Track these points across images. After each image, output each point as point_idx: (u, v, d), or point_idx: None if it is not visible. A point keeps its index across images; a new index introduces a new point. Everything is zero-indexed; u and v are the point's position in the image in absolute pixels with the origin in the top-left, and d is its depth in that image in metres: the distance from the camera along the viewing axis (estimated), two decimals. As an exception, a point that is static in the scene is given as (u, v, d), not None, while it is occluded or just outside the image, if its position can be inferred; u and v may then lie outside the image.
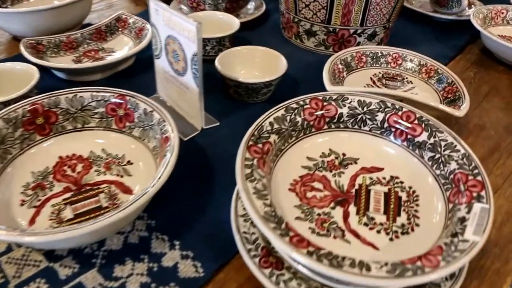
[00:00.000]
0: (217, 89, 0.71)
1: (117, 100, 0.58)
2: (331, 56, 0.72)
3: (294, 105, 0.52)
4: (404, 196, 0.48)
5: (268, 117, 0.50)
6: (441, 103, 0.68)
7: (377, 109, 0.53)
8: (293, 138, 0.52)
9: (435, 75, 0.72)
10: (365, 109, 0.53)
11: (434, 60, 0.74)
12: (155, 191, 0.44)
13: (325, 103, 0.53)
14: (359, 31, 0.79)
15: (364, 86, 0.72)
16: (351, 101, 0.53)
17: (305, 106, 0.52)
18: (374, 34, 0.80)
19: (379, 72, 0.75)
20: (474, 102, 0.74)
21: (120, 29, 0.86)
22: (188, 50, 0.58)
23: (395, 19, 0.82)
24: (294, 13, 0.82)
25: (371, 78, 0.74)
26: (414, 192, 0.49)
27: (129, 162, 0.57)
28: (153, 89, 0.70)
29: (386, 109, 0.53)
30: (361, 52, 0.76)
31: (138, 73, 0.76)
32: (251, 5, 0.97)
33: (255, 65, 0.73)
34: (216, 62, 0.68)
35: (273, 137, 0.49)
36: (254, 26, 0.93)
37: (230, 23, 0.81)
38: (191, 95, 0.62)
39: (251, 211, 0.38)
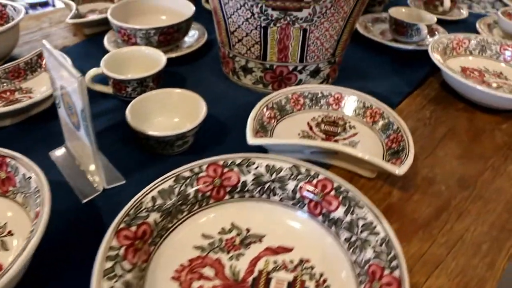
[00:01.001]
0: (130, 139, 0.62)
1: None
2: (262, 100, 0.63)
3: (187, 173, 0.43)
4: (312, 286, 0.39)
5: (152, 190, 0.41)
6: (384, 154, 0.59)
7: (288, 176, 0.44)
8: (185, 213, 0.42)
9: (380, 119, 0.63)
10: (274, 175, 0.44)
11: (380, 102, 0.65)
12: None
13: (225, 170, 0.44)
14: (299, 67, 0.70)
15: (298, 134, 0.63)
16: (257, 166, 0.44)
17: (201, 174, 0.43)
18: (317, 70, 0.72)
19: (319, 116, 0.66)
20: (427, 148, 0.65)
21: (42, 67, 0.77)
22: (77, 104, 0.49)
23: (342, 52, 0.74)
24: (229, 47, 0.73)
25: (308, 123, 0.65)
26: (324, 281, 0.39)
27: (9, 233, 0.48)
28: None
29: (299, 176, 0.44)
30: (298, 93, 0.67)
31: (55, 117, 0.68)
32: (193, 35, 0.89)
33: (174, 110, 0.65)
34: (127, 111, 0.60)
35: (154, 216, 0.39)
36: (194, 58, 0.84)
37: (157, 59, 0.72)
38: (88, 152, 0.53)
39: None
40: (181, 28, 0.81)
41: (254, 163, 0.46)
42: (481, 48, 0.87)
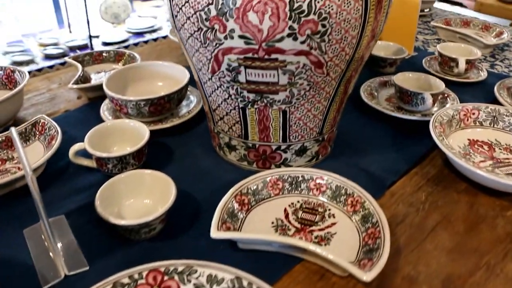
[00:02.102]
0: (103, 220, 0.60)
1: None
2: (236, 185, 0.60)
3: (126, 280, 0.41)
4: None
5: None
6: (359, 251, 0.55)
7: (225, 293, 0.40)
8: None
9: (361, 209, 0.59)
10: (214, 287, 0.41)
11: (363, 190, 0.61)
12: None
13: (165, 278, 0.42)
14: (283, 147, 0.67)
15: (272, 223, 0.60)
16: (199, 275, 0.42)
17: (140, 282, 0.41)
18: (303, 149, 0.68)
19: (298, 202, 0.63)
20: (415, 239, 0.60)
21: (36, 135, 0.78)
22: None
23: (333, 128, 0.70)
24: (213, 123, 0.71)
25: (285, 210, 0.61)
26: None
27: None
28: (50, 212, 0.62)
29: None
30: (277, 176, 0.63)
31: (40, 190, 0.67)
32: (192, 101, 0.88)
33: (146, 192, 0.64)
34: (97, 196, 0.59)
35: None
36: (186, 128, 0.83)
37: (142, 134, 0.71)
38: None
39: None
40: (173, 99, 0.80)
41: (196, 271, 0.43)
42: (493, 119, 0.81)
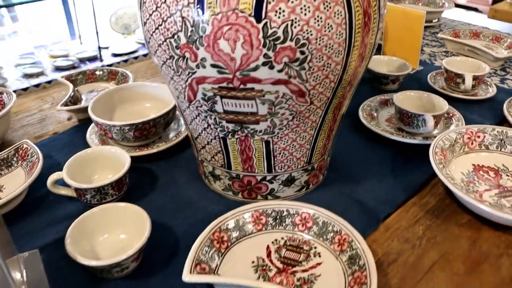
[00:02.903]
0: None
1: None
2: (213, 223, 0.56)
3: None
4: None
5: None
6: (343, 298, 0.50)
7: None
8: None
9: (348, 249, 0.54)
10: None
11: (351, 227, 0.56)
12: None
13: None
14: (268, 177, 0.63)
15: (253, 262, 0.55)
16: None
17: None
18: (291, 179, 0.64)
19: (282, 238, 0.58)
20: (408, 282, 0.56)
21: (19, 161, 0.75)
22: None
23: (324, 156, 0.66)
24: (196, 151, 0.67)
25: (268, 247, 0.57)
26: None
27: None
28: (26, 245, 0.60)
29: None
30: (260, 210, 0.59)
31: (19, 219, 0.66)
32: (181, 125, 0.84)
33: (122, 226, 0.60)
34: (68, 234, 0.55)
35: None
36: (173, 152, 0.79)
37: (123, 162, 0.68)
38: None
39: None
40: (159, 123, 0.76)
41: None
42: (499, 143, 0.75)
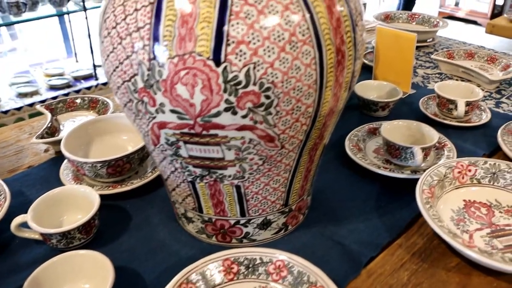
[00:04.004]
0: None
1: None
2: (179, 274, 0.52)
3: None
4: None
5: None
6: None
7: None
8: None
9: (324, 304, 0.50)
10: None
11: (327, 278, 0.53)
12: None
13: None
14: (242, 221, 0.59)
15: (221, 320, 0.51)
16: None
17: None
18: (267, 222, 0.60)
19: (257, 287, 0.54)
20: None
21: (-16, 198, 0.72)
22: None
23: (300, 198, 0.62)
24: (168, 192, 0.63)
25: (239, 301, 0.52)
26: None
27: None
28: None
29: None
30: (232, 258, 0.55)
31: None
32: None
33: (85, 275, 0.57)
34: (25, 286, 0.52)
35: None
36: (151, 189, 0.75)
37: (92, 200, 0.64)
38: None
39: None
40: (133, 159, 0.73)
41: None
42: (492, 177, 0.71)
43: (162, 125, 0.49)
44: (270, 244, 0.63)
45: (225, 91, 0.44)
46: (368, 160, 0.77)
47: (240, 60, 0.43)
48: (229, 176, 0.53)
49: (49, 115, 0.93)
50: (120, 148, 0.75)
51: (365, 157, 0.77)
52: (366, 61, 1.14)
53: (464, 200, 0.69)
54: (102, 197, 0.70)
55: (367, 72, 1.11)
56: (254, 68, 0.43)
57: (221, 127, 0.46)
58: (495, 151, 0.85)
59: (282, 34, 0.43)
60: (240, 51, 0.42)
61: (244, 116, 0.46)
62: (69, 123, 0.95)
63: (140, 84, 0.46)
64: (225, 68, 0.43)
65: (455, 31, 3.90)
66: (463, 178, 0.71)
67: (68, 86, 2.29)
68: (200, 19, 0.42)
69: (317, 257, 0.61)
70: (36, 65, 2.59)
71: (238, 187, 0.55)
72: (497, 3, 4.16)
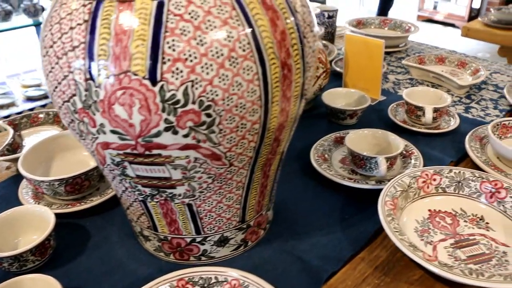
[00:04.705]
0: None
1: None
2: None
3: None
4: None
5: None
6: None
7: None
8: None
9: (278, 325, 0.48)
10: None
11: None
12: None
13: None
14: (198, 239, 0.57)
15: None
16: None
17: None
18: (224, 239, 0.58)
19: (210, 311, 0.52)
20: None
21: None
22: None
23: (259, 213, 0.60)
24: (124, 210, 0.61)
25: (192, 324, 0.51)
26: None
27: None
28: None
29: None
30: (186, 278, 0.54)
31: None
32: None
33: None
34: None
35: None
36: (111, 206, 0.73)
37: (48, 220, 0.62)
38: None
39: None
40: (92, 176, 0.71)
41: None
42: (457, 185, 0.70)
43: (105, 146, 0.47)
44: (230, 261, 0.61)
45: (163, 110, 0.42)
46: (333, 170, 0.75)
47: (177, 79, 0.41)
48: (179, 195, 0.52)
49: (11, 131, 0.90)
50: (82, 164, 0.74)
51: (331, 168, 0.76)
52: (337, 68, 1.13)
53: (429, 210, 0.68)
54: (61, 215, 0.68)
55: (338, 79, 1.10)
56: (192, 86, 0.42)
57: (163, 147, 0.45)
58: (463, 158, 0.84)
59: (221, 50, 0.42)
60: (177, 69, 0.41)
61: (185, 136, 0.44)
62: (33, 139, 0.93)
63: (79, 105, 0.45)
64: (161, 87, 0.41)
65: (434, 34, 3.93)
66: (428, 187, 0.70)
67: (45, 97, 2.26)
68: (134, 37, 0.41)
69: (277, 273, 0.60)
70: (13, 76, 2.56)
71: (190, 206, 0.53)
72: (473, 6, 4.21)
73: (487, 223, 0.66)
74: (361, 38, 0.98)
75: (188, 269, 0.55)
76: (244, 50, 0.43)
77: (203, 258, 0.60)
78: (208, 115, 0.43)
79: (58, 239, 0.65)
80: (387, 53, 1.31)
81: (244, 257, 0.62)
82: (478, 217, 0.67)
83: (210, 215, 0.55)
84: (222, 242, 0.59)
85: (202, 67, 0.42)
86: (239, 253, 0.62)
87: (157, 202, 0.53)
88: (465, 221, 0.67)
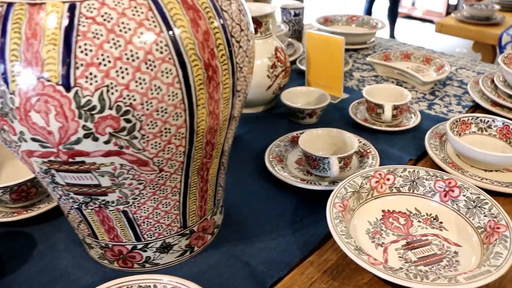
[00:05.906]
0: None
1: None
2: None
3: None
4: None
5: None
6: None
7: None
8: None
9: (213, 334, 0.47)
10: None
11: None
12: None
13: None
14: (139, 246, 0.56)
15: None
16: None
17: None
18: (167, 246, 0.57)
19: (147, 321, 0.51)
20: None
21: None
22: None
23: (202, 219, 0.59)
24: (66, 216, 0.60)
25: (129, 334, 0.49)
26: None
27: None
28: None
29: None
30: (124, 287, 0.52)
31: None
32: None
33: None
34: None
35: None
36: (61, 212, 0.71)
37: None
38: None
39: None
40: (38, 183, 0.69)
41: None
42: (411, 185, 0.69)
43: (29, 154, 0.45)
44: (175, 268, 0.60)
45: (80, 117, 0.41)
46: (288, 172, 0.74)
47: (91, 84, 0.40)
48: (113, 202, 0.50)
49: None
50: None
51: (285, 169, 0.75)
52: (301, 67, 1.12)
53: (383, 211, 0.67)
54: (8, 224, 0.66)
55: (302, 77, 1.09)
56: (108, 91, 0.40)
57: (86, 154, 0.43)
58: (423, 156, 0.83)
59: (136, 53, 0.40)
60: (90, 74, 0.39)
61: (106, 142, 0.43)
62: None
63: (-3, 113, 0.43)
64: (76, 93, 0.40)
65: (412, 30, 3.94)
66: (381, 187, 0.69)
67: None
68: (46, 42, 0.39)
69: (223, 279, 0.59)
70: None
71: (125, 212, 0.52)
72: (450, 2, 4.25)
73: (440, 222, 0.65)
74: (322, 36, 0.97)
75: (127, 277, 0.54)
76: (161, 53, 0.41)
77: (147, 265, 0.59)
78: (128, 121, 0.42)
79: (1, 248, 0.63)
80: (354, 50, 1.30)
81: (190, 263, 0.61)
82: (432, 217, 0.66)
83: (148, 221, 0.54)
84: (165, 248, 0.58)
85: (117, 71, 0.40)
86: (185, 259, 0.61)
87: (92, 209, 0.52)
88: (419, 221, 0.66)
